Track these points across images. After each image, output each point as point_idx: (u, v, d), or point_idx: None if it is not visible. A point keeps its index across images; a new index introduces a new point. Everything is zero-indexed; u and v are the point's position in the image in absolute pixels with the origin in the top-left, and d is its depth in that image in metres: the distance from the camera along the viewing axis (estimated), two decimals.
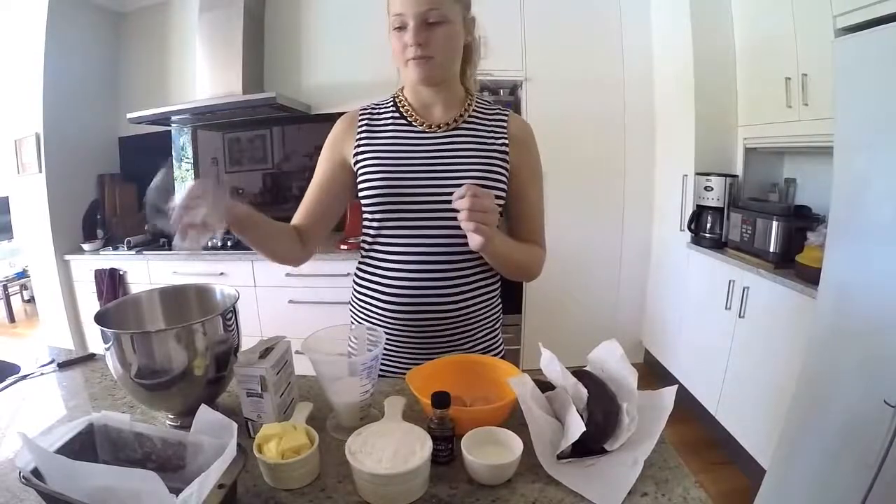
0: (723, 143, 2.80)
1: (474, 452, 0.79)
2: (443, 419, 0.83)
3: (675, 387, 0.92)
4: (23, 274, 5.42)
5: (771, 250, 2.32)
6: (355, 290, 1.27)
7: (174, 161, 3.71)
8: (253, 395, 0.91)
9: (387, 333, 1.14)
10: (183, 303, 1.13)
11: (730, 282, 2.46)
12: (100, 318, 0.93)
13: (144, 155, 3.70)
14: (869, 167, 1.57)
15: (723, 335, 2.55)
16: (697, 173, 2.79)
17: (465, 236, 1.02)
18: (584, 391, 0.85)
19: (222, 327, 0.97)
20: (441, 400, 0.83)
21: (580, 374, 0.91)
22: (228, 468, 0.71)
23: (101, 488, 0.64)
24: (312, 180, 1.25)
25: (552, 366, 0.91)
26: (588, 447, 0.83)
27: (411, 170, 1.12)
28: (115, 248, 3.28)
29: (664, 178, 3.23)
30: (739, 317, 2.41)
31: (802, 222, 2.25)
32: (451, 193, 0.99)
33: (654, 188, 3.34)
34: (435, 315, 1.15)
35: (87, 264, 3.27)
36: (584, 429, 0.79)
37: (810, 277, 1.95)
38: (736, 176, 2.72)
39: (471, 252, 1.09)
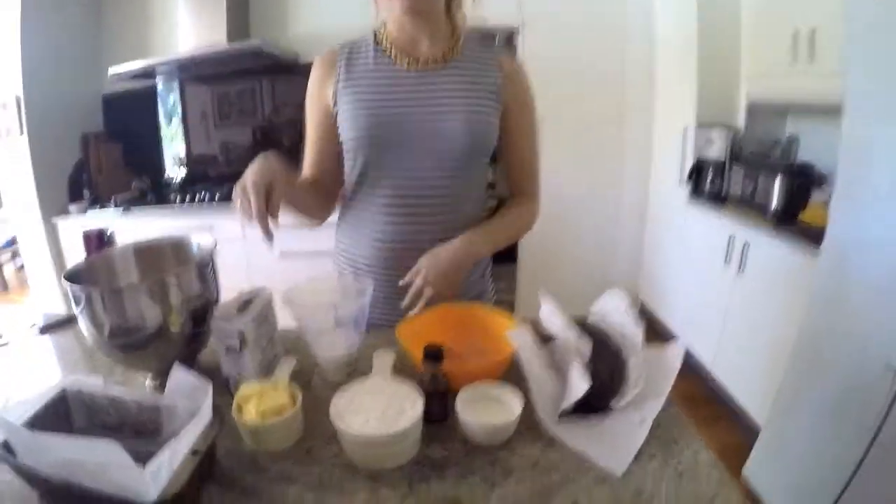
0: (725, 95, 2.71)
1: (470, 410, 0.73)
2: (435, 375, 0.76)
3: (682, 347, 0.86)
4: (12, 242, 5.33)
5: (773, 207, 2.25)
6: (339, 239, 1.20)
7: (163, 119, 3.58)
8: (232, 351, 0.84)
9: (375, 283, 1.08)
10: (158, 258, 1.05)
11: (729, 237, 2.40)
12: (70, 277, 0.86)
13: (129, 112, 3.59)
14: (879, 126, 1.49)
15: (721, 291, 2.51)
16: (699, 125, 2.71)
17: (454, 182, 0.99)
18: (588, 345, 0.79)
19: (198, 279, 0.89)
20: (434, 354, 0.76)
21: (582, 325, 0.84)
22: (203, 433, 0.65)
23: (69, 461, 0.58)
24: (307, 134, 1.17)
25: (553, 317, 0.84)
26: (592, 405, 0.76)
27: (396, 111, 1.04)
28: (102, 207, 3.18)
29: (664, 131, 3.13)
30: (738, 273, 2.36)
31: (805, 180, 2.19)
32: (441, 137, 0.91)
33: (653, 140, 3.25)
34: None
35: (75, 226, 3.16)
36: (588, 386, 0.72)
37: (813, 236, 1.89)
38: (738, 129, 2.64)
39: (463, 191, 1.06)
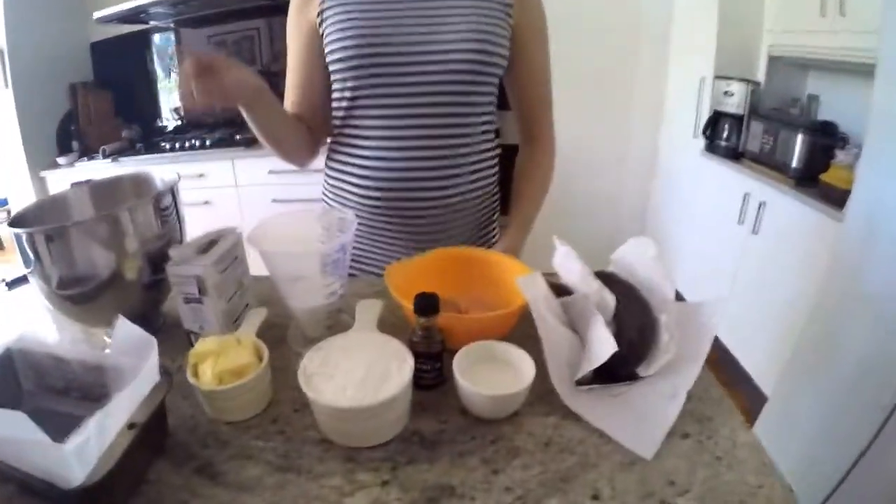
0: (746, 47, 2.51)
1: (470, 376, 0.59)
2: (429, 330, 0.62)
3: (720, 303, 0.71)
4: (5, 202, 5.22)
5: (793, 165, 2.10)
6: (327, 177, 1.06)
7: (161, 72, 3.38)
8: (191, 300, 0.71)
9: (364, 226, 0.97)
10: (118, 197, 0.91)
11: (745, 195, 2.26)
12: (16, 222, 0.73)
13: (119, 59, 3.40)
14: None
15: (732, 251, 2.37)
16: (717, 77, 2.52)
17: (455, 114, 0.87)
18: (611, 298, 0.65)
19: (156, 218, 0.76)
20: (427, 304, 0.61)
21: (603, 277, 0.70)
22: (145, 401, 0.53)
23: None
24: (289, 67, 1.01)
25: (569, 264, 0.70)
26: (615, 371, 0.63)
27: (393, 26, 0.88)
28: (91, 158, 3.03)
29: (679, 81, 2.93)
30: (752, 233, 2.23)
31: (828, 139, 2.04)
32: (442, 51, 0.83)
33: (667, 90, 3.04)
34: (423, 203, 0.95)
35: (64, 179, 3.03)
36: (614, 348, 0.58)
37: (835, 198, 1.78)
38: (759, 83, 2.45)
39: (468, 126, 0.93)
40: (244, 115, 0.88)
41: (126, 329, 0.60)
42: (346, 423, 0.54)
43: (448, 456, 0.54)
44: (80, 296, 0.72)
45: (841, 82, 2.27)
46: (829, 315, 1.63)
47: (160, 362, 0.56)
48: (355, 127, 0.95)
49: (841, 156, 1.90)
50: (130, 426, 0.50)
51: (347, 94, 0.93)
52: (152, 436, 0.55)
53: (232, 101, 0.81)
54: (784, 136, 2.15)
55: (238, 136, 2.77)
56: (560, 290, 0.71)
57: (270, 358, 0.63)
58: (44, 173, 3.07)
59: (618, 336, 0.60)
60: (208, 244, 0.73)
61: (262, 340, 0.66)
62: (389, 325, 0.69)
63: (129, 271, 0.73)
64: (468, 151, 0.96)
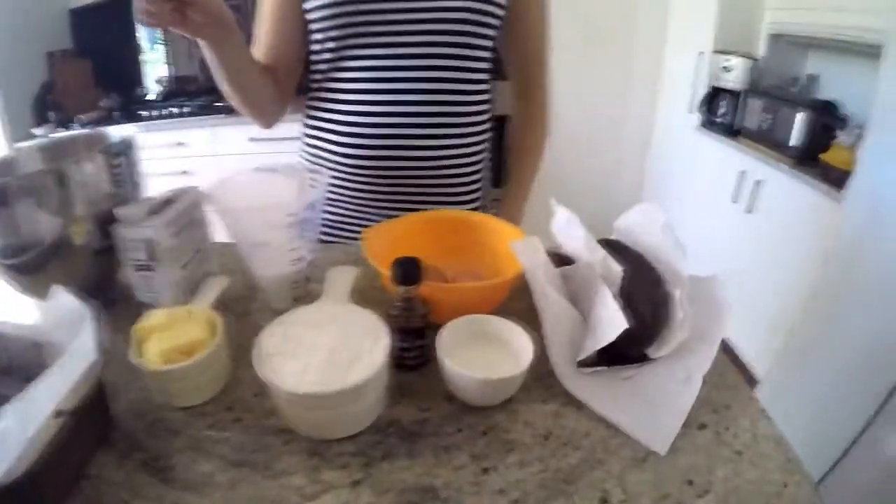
0: (746, 23, 2.43)
1: (458, 355, 0.50)
2: (410, 301, 0.53)
3: (726, 277, 0.67)
4: None
5: (791, 144, 2.03)
6: (305, 136, 0.96)
7: (143, 37, 3.23)
8: (141, 267, 0.61)
9: (344, 190, 0.89)
10: (71, 156, 0.80)
11: (741, 173, 2.20)
12: None
13: (100, 26, 3.23)
14: None
15: (726, 229, 2.32)
16: (715, 51, 2.44)
17: (457, 62, 0.79)
18: (618, 269, 0.56)
19: (108, 175, 0.66)
20: (407, 270, 0.52)
21: (607, 245, 0.61)
22: (78, 383, 0.44)
23: None
24: (259, 13, 0.88)
25: (571, 230, 0.61)
26: (624, 352, 0.54)
27: None
28: (68, 128, 2.88)
29: (676, 54, 2.83)
30: (747, 212, 2.17)
31: (829, 119, 1.99)
32: (436, 4, 0.75)
33: (664, 64, 2.94)
34: (408, 164, 0.87)
35: None
36: (625, 325, 0.50)
37: (835, 179, 1.75)
38: (757, 59, 2.37)
39: (462, 83, 0.84)
40: (207, 53, 0.75)
41: (61, 298, 0.51)
42: (309, 412, 0.45)
43: (431, 451, 0.46)
44: (25, 264, 0.63)
45: (841, 63, 2.22)
46: (830, 298, 1.59)
47: (101, 338, 0.47)
48: (337, 80, 0.85)
49: (842, 136, 1.85)
50: (58, 414, 0.41)
51: (330, 44, 0.82)
52: (91, 424, 0.47)
53: (199, 30, 0.69)
54: (784, 113, 2.08)
55: (219, 104, 2.66)
56: (558, 259, 0.62)
57: (233, 333, 0.54)
58: (19, 145, 2.93)
59: (630, 312, 0.52)
60: (162, 204, 0.64)
61: (226, 314, 0.57)
62: (368, 298, 0.60)
63: (77, 236, 0.63)
64: (461, 111, 0.87)
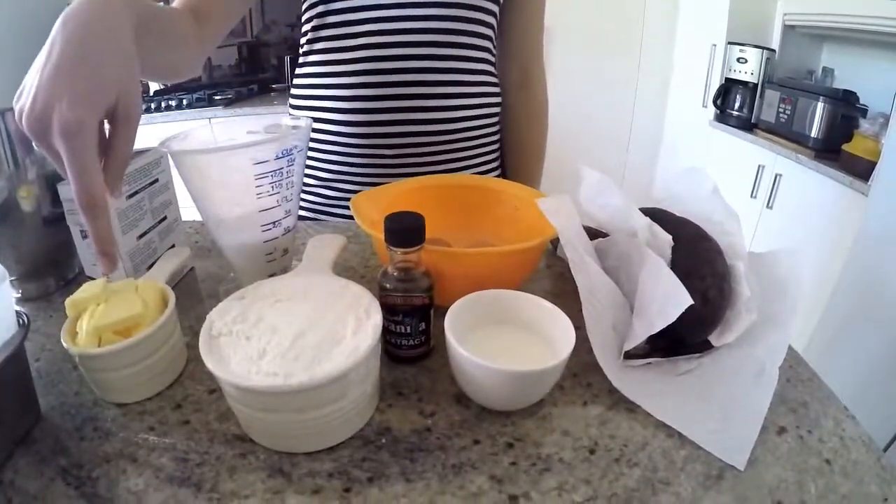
0: (760, 14, 2.34)
1: (472, 341, 0.37)
2: (409, 272, 0.40)
3: (797, 252, 0.54)
4: None
5: (812, 135, 1.95)
6: (293, 96, 0.83)
7: None
8: (87, 234, 0.49)
9: (344, 164, 0.77)
10: None
11: (759, 167, 2.11)
12: None
13: None
14: None
15: (745, 226, 2.16)
16: (729, 43, 2.34)
17: (448, 29, 0.70)
18: (667, 236, 0.44)
19: None
20: (407, 228, 0.39)
21: (650, 214, 0.49)
22: None
23: None
24: None
25: (604, 196, 0.48)
26: (681, 338, 0.42)
27: None
28: None
29: (688, 47, 2.73)
30: (767, 207, 2.08)
31: (849, 109, 1.92)
32: None
33: (674, 57, 2.84)
34: (416, 125, 0.74)
35: None
36: (689, 300, 0.37)
37: (858, 169, 1.68)
38: (773, 50, 2.28)
39: (469, 37, 0.73)
40: None
41: None
42: (266, 414, 0.32)
43: (436, 470, 0.33)
44: None
45: (857, 55, 2.15)
46: (856, 292, 1.53)
47: (23, 311, 0.36)
48: (326, 46, 0.73)
49: (865, 125, 1.77)
50: None
51: (318, 5, 0.70)
52: (9, 416, 0.36)
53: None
54: (803, 105, 1.99)
55: (217, 97, 2.63)
56: (588, 233, 0.50)
57: (194, 318, 0.41)
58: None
59: (690, 289, 0.39)
60: None
61: (191, 294, 0.44)
62: (358, 277, 0.48)
63: (24, 201, 0.53)
64: (470, 68, 0.75)
